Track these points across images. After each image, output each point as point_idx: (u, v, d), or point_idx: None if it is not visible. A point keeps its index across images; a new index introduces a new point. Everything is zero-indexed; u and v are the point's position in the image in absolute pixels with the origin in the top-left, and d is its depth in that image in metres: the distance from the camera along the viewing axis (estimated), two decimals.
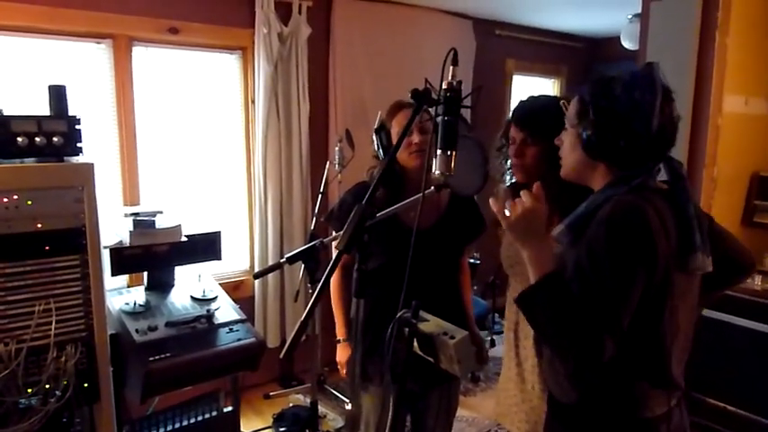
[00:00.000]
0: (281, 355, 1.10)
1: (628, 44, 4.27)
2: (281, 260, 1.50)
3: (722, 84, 2.83)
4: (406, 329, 1.18)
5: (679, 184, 1.29)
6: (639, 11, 3.11)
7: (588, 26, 5.06)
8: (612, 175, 1.29)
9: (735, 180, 3.10)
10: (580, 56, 5.58)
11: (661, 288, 1.22)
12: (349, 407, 1.31)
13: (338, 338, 2.14)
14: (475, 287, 4.47)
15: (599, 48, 5.60)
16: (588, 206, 1.27)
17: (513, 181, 1.76)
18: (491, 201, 1.29)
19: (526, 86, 5.29)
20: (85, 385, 2.00)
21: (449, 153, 1.31)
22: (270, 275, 3.58)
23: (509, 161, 1.71)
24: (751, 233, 3.09)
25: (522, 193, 1.25)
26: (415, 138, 1.93)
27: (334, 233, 2.12)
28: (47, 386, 1.88)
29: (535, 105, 1.70)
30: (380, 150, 2.05)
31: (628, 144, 1.24)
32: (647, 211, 1.19)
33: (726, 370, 2.84)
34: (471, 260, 4.19)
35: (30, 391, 1.86)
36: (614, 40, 4.63)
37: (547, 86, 5.58)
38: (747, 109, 3.07)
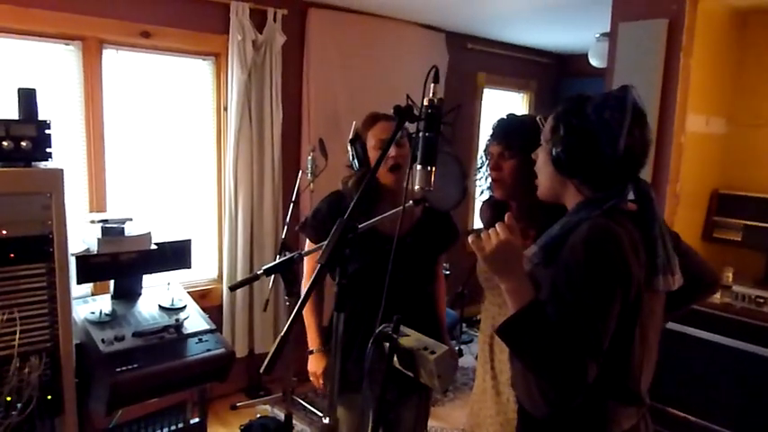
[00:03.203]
0: (261, 370, 1.09)
1: (595, 62, 4.37)
2: (259, 272, 1.48)
3: (685, 103, 2.93)
4: (387, 344, 1.18)
5: (647, 205, 1.31)
6: (607, 30, 3.20)
7: (557, 43, 5.18)
8: (583, 194, 1.32)
9: (696, 196, 3.21)
10: (549, 71, 5.70)
11: (633, 308, 1.24)
12: (326, 420, 1.30)
13: (310, 349, 2.13)
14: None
15: (568, 64, 5.73)
16: (562, 228, 1.29)
17: (489, 196, 1.79)
18: (469, 238, 1.30)
19: (496, 100, 5.37)
20: (49, 397, 1.95)
21: (429, 168, 1.32)
22: None
23: (488, 179, 1.74)
24: (711, 248, 3.19)
25: (497, 225, 1.27)
26: (391, 151, 1.94)
27: (307, 242, 2.12)
28: (8, 398, 1.83)
29: (511, 121, 1.75)
30: (356, 161, 2.06)
31: (594, 163, 1.27)
32: (620, 234, 1.22)
33: (687, 381, 2.92)
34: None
35: None
36: (582, 57, 4.74)
37: (516, 100, 5.68)
38: (708, 128, 3.18)
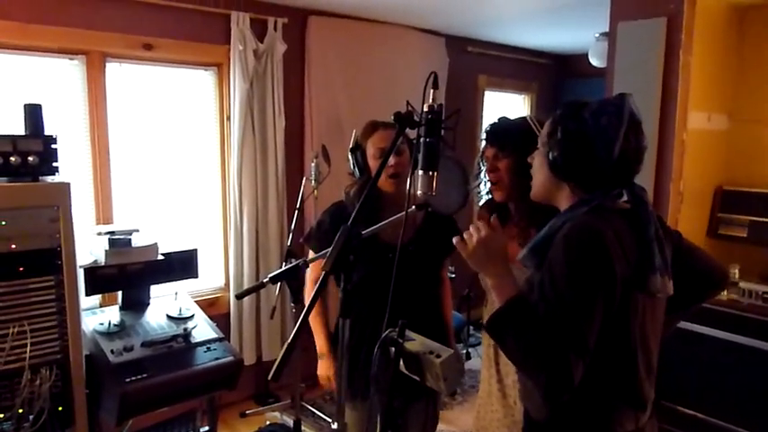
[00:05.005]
0: (269, 377, 1.10)
1: (595, 62, 4.38)
2: (265, 280, 1.50)
3: (687, 101, 2.93)
4: (393, 349, 1.19)
5: (641, 208, 1.31)
6: (606, 29, 3.20)
7: (557, 43, 5.18)
8: (576, 197, 1.33)
9: (700, 194, 3.20)
10: (550, 72, 5.71)
11: (623, 307, 1.24)
12: (335, 426, 1.32)
13: (320, 353, 2.13)
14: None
15: (568, 64, 5.74)
16: (550, 229, 1.30)
17: (488, 198, 1.81)
18: (454, 239, 1.33)
19: (498, 102, 5.38)
20: (60, 409, 1.97)
21: (430, 173, 1.34)
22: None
23: (486, 184, 1.77)
24: (717, 245, 3.19)
25: (479, 223, 1.30)
26: (390, 160, 1.95)
27: (311, 253, 2.13)
28: (20, 410, 1.85)
29: (503, 123, 1.78)
30: (356, 169, 2.07)
31: (590, 167, 1.28)
32: (602, 231, 1.22)
33: (695, 379, 2.91)
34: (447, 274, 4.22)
35: (2, 416, 1.81)
36: (583, 57, 4.75)
37: (518, 102, 5.69)
38: (710, 125, 3.18)
